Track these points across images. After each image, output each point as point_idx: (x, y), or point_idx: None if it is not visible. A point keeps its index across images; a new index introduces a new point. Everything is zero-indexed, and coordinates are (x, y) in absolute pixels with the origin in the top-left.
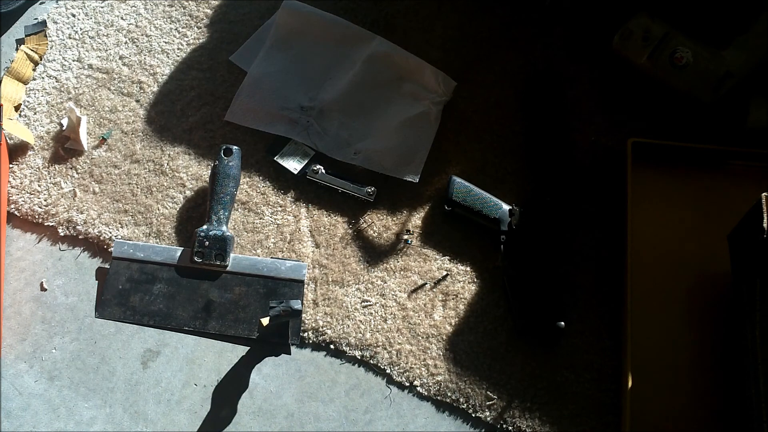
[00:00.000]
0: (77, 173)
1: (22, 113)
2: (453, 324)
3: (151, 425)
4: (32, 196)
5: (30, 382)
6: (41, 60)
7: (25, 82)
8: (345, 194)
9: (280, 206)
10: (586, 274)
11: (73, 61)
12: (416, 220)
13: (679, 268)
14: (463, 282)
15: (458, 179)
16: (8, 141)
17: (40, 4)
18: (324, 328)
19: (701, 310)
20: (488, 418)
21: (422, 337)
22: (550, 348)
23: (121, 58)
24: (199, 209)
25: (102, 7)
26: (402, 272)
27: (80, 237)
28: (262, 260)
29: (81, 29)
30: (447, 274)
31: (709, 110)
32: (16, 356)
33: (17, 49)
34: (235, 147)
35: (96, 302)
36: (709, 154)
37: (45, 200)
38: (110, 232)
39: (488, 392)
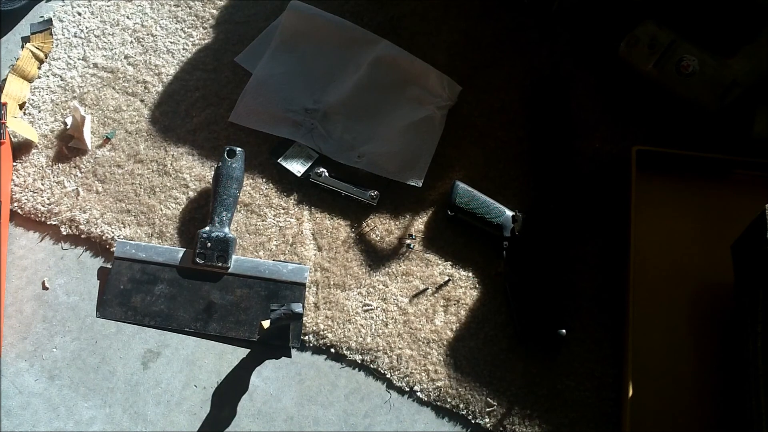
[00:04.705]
0: (81, 172)
1: (27, 111)
2: (454, 329)
3: (151, 426)
4: (35, 194)
5: (30, 380)
6: (46, 58)
7: (30, 80)
8: (348, 197)
9: (283, 209)
10: (588, 282)
11: (79, 59)
12: (419, 224)
13: (681, 277)
14: (465, 288)
15: (462, 184)
16: (12, 139)
17: (46, 2)
18: (325, 332)
19: (703, 319)
20: (488, 425)
21: (423, 342)
22: (551, 355)
23: (126, 57)
24: (201, 210)
25: (108, 6)
26: (404, 277)
27: (83, 236)
28: (264, 262)
29: (86, 28)
30: (449, 280)
31: (715, 119)
32: (16, 355)
33: (23, 47)
34: (238, 148)
35: (97, 302)
36: (714, 163)
37: (48, 199)
38: (113, 232)
39: (488, 398)
